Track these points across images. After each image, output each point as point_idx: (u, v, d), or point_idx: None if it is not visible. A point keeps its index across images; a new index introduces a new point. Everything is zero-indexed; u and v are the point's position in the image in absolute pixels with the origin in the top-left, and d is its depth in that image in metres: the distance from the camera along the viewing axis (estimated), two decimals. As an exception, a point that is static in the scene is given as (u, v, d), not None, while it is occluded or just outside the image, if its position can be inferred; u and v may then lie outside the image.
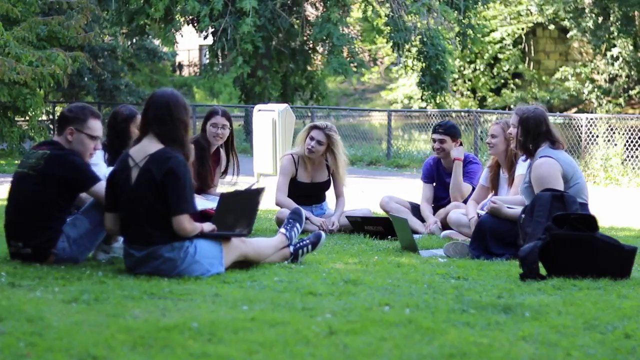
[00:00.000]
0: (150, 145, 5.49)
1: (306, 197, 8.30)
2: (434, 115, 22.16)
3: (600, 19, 36.41)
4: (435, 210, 8.29)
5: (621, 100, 36.77)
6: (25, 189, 5.80)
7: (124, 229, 5.59)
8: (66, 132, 5.85)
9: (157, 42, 33.80)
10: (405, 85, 38.60)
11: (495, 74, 38.97)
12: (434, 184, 8.47)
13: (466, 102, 38.03)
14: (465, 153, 8.37)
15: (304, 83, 26.87)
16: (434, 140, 8.34)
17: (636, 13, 36.24)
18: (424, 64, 25.05)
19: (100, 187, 5.76)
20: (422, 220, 8.28)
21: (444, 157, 8.35)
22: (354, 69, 25.56)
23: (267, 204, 10.23)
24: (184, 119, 5.54)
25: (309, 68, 26.48)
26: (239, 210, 5.99)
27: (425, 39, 24.45)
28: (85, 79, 26.65)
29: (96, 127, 5.90)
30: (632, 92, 36.77)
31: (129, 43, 26.61)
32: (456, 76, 37.90)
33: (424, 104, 27.86)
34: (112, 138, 6.91)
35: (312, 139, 8.20)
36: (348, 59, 24.59)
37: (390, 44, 25.22)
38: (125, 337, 3.92)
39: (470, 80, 39.22)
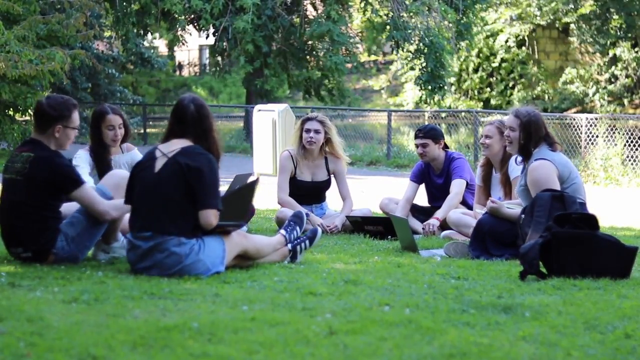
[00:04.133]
0: (181, 142, 5.62)
1: (307, 196, 8.33)
2: (434, 115, 22.16)
3: (600, 22, 36.44)
4: (432, 211, 8.28)
5: (625, 101, 36.81)
6: (16, 195, 5.77)
7: (135, 218, 5.62)
8: (53, 130, 5.81)
9: (156, 43, 33.83)
10: (414, 89, 38.68)
11: (498, 74, 38.98)
12: (423, 184, 8.49)
13: (471, 103, 38.04)
14: (449, 152, 8.38)
15: (323, 82, 26.82)
16: (417, 146, 8.36)
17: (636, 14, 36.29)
18: (422, 63, 25.05)
19: (83, 191, 5.77)
20: (421, 220, 8.28)
21: (430, 161, 8.36)
22: (352, 68, 25.59)
23: (268, 204, 10.24)
24: (213, 121, 5.78)
25: (312, 66, 26.47)
26: (238, 204, 6.04)
27: (424, 37, 24.44)
28: (80, 81, 26.72)
29: (77, 117, 5.95)
30: (636, 97, 36.81)
31: (125, 48, 26.63)
32: (457, 77, 37.94)
33: (424, 105, 27.86)
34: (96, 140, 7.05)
35: (308, 131, 8.24)
36: (346, 57, 24.59)
37: (390, 42, 25.25)
38: (125, 337, 3.92)
39: (471, 79, 39.24)
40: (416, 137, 8.40)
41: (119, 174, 6.14)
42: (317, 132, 8.24)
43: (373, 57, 41.31)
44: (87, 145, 7.30)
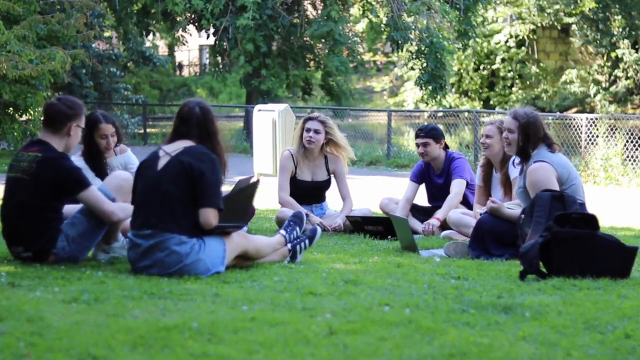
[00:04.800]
0: (185, 143, 5.67)
1: (307, 196, 8.34)
2: (434, 115, 22.14)
3: (603, 23, 36.44)
4: (432, 211, 8.29)
5: (628, 104, 36.83)
6: (20, 194, 5.77)
7: (136, 215, 5.64)
8: (69, 130, 5.84)
9: (157, 43, 33.81)
10: (414, 89, 38.70)
11: (499, 74, 38.98)
12: (423, 184, 8.48)
13: (474, 104, 38.06)
14: (449, 152, 8.37)
15: (326, 80, 26.81)
16: (418, 145, 8.35)
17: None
18: (422, 63, 25.04)
19: (90, 192, 5.77)
20: (421, 220, 8.28)
21: (431, 160, 8.36)
22: (354, 68, 25.56)
23: (268, 204, 10.24)
24: (218, 126, 5.84)
25: (312, 66, 26.46)
26: (238, 205, 6.05)
27: (424, 37, 24.42)
28: (84, 79, 26.71)
29: (84, 118, 6.02)
30: (636, 97, 36.83)
31: (126, 48, 26.58)
32: (458, 77, 37.95)
33: (424, 104, 27.88)
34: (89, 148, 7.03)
35: (308, 130, 8.25)
36: (348, 57, 24.57)
37: (390, 42, 25.25)
38: (125, 337, 3.92)
39: (472, 79, 39.24)
40: (417, 136, 8.39)
41: (121, 176, 6.14)
42: (317, 132, 8.25)
43: (376, 58, 41.31)
44: (80, 151, 7.20)
